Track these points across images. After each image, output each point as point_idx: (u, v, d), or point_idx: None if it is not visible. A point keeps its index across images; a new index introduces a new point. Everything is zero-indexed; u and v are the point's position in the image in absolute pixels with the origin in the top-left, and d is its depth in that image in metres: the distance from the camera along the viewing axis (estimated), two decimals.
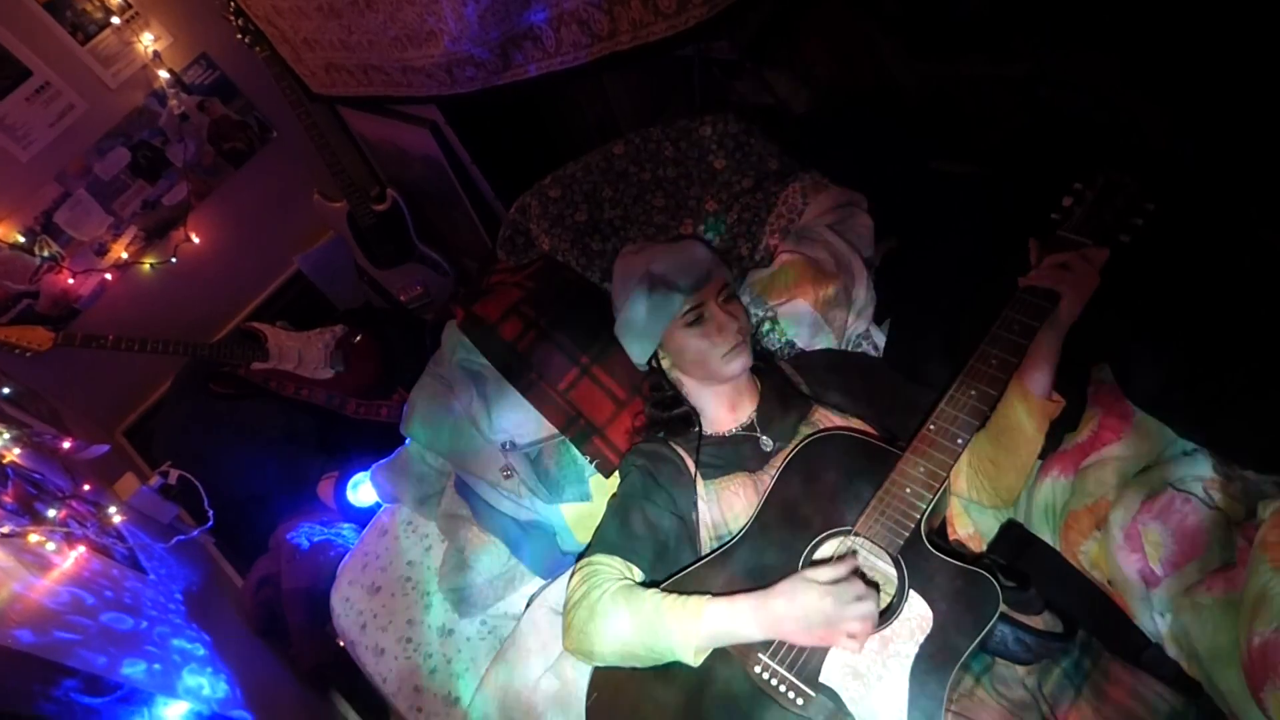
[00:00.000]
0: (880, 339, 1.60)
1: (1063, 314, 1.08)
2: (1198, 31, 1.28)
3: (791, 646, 1.09)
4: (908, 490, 1.09)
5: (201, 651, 1.83)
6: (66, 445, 2.38)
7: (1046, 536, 1.32)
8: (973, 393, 1.09)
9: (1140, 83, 1.41)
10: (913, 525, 1.07)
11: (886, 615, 1.07)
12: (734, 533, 1.24)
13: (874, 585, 1.07)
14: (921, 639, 1.04)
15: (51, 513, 1.87)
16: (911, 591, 1.06)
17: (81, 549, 1.80)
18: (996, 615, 1.02)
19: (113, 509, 2.17)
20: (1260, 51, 1.22)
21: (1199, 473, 1.17)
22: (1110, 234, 1.10)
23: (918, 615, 1.05)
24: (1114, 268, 1.09)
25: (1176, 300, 1.23)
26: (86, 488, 2.28)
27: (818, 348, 1.54)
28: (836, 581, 1.03)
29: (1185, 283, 1.24)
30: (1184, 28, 1.29)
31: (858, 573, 1.07)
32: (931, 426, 1.11)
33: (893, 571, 1.09)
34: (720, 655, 1.11)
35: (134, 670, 1.52)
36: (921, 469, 1.09)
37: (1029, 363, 1.12)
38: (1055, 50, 1.51)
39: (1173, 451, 1.23)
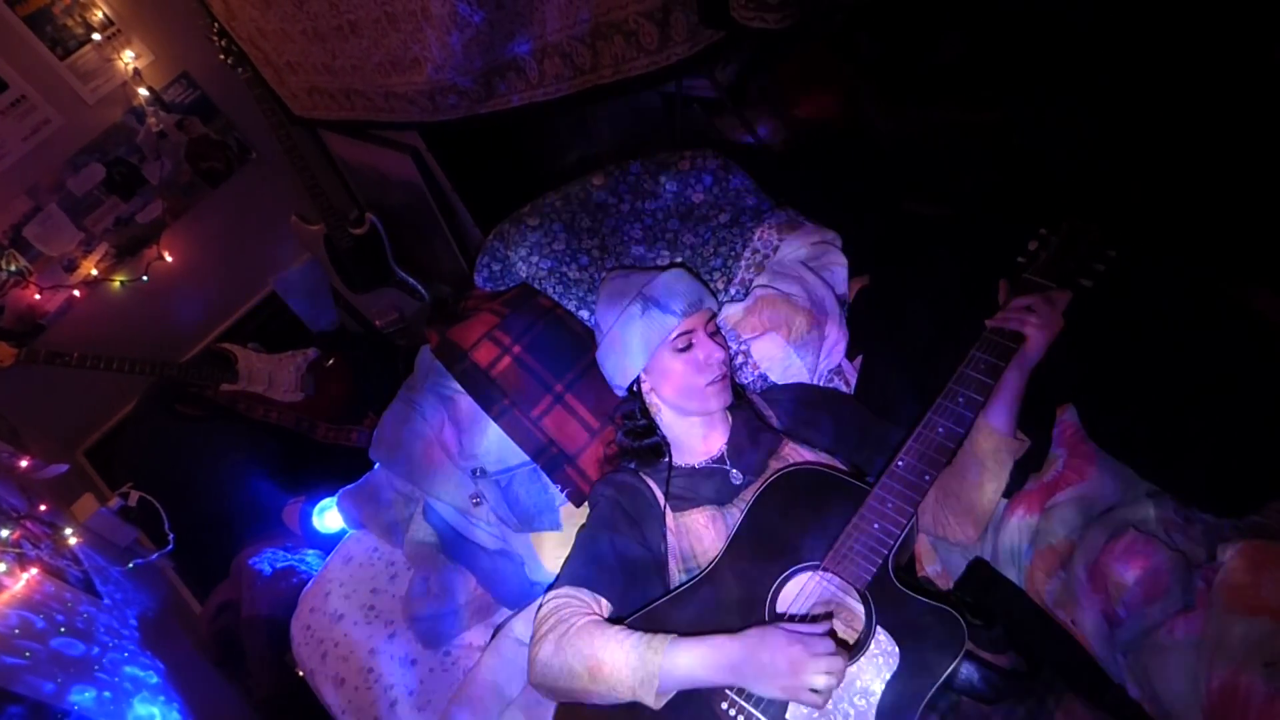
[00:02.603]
0: (852, 375, 1.62)
1: (1028, 354, 1.11)
2: (1166, 85, 1.33)
3: None
4: (876, 526, 1.09)
5: (154, 679, 1.78)
6: (24, 464, 2.33)
7: (1012, 575, 1.33)
8: (940, 430, 1.11)
9: (1109, 134, 1.46)
10: (880, 561, 1.07)
11: (854, 651, 1.06)
12: (702, 565, 1.23)
13: (844, 644, 1.07)
14: (888, 675, 1.04)
15: (4, 533, 1.82)
16: (879, 628, 1.06)
17: (34, 571, 1.75)
18: (963, 652, 1.02)
19: (69, 530, 2.12)
20: (1227, 107, 1.27)
21: (1161, 515, 1.18)
22: (1073, 278, 1.14)
23: (885, 652, 1.05)
24: (1080, 312, 1.12)
25: (1140, 345, 1.26)
26: (43, 508, 2.22)
27: (789, 382, 1.55)
28: (808, 634, 1.02)
29: (1149, 328, 1.27)
30: (1153, 81, 1.34)
31: (830, 633, 1.06)
32: (900, 463, 1.12)
33: (860, 607, 1.09)
34: (687, 692, 1.10)
35: (83, 698, 1.48)
36: (890, 505, 1.10)
37: (995, 401, 1.14)
38: (1026, 99, 1.56)
39: (1136, 493, 1.25)
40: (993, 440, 1.16)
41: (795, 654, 0.99)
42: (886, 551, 1.07)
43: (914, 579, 1.31)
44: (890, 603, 1.07)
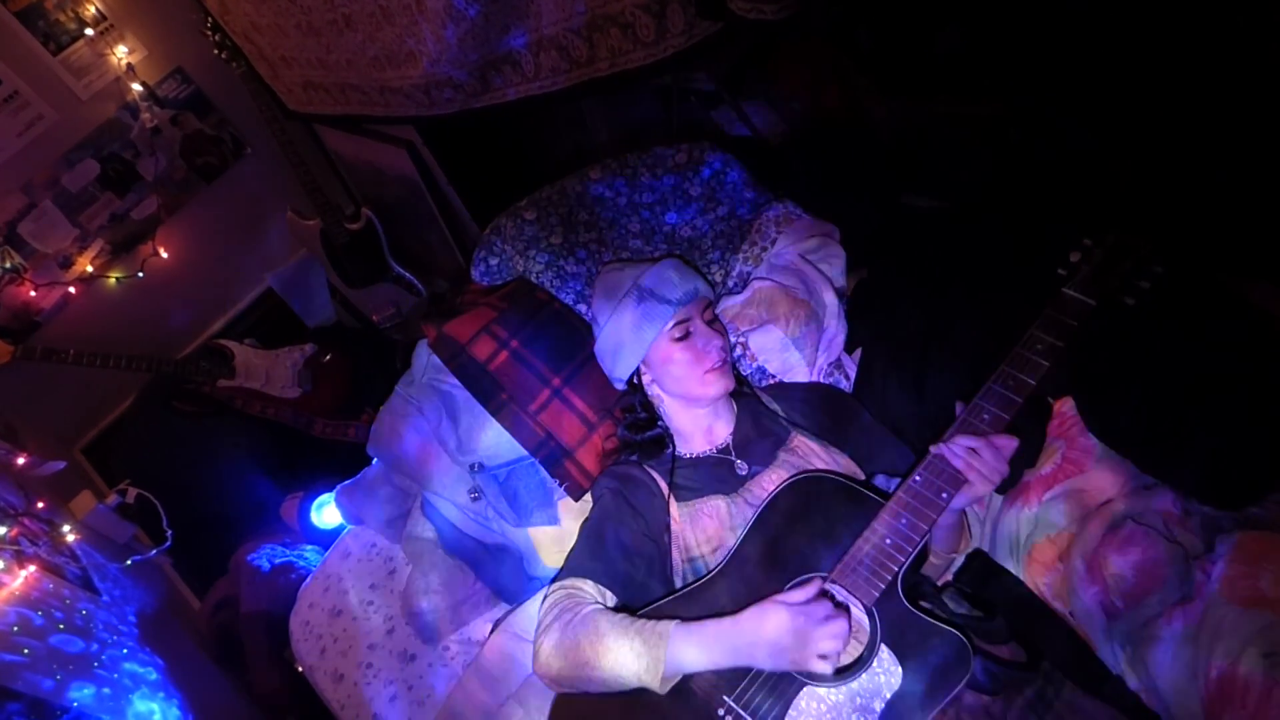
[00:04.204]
0: (851, 368, 1.61)
1: (967, 495, 1.08)
2: (1164, 79, 1.32)
3: (756, 692, 1.06)
4: (888, 542, 1.07)
5: (154, 676, 1.78)
6: (21, 461, 2.32)
7: (1011, 567, 1.33)
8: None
9: (1106, 127, 1.45)
10: (890, 577, 1.05)
11: (856, 668, 1.05)
12: (705, 555, 1.23)
13: (844, 608, 1.06)
14: (889, 696, 1.02)
15: (2, 530, 1.82)
16: (882, 645, 1.05)
17: (32, 568, 1.75)
18: (965, 679, 1.01)
19: (67, 527, 2.11)
20: (1226, 99, 1.27)
21: (1159, 507, 1.18)
22: (1114, 295, 1.11)
23: (887, 670, 1.03)
24: (1079, 309, 1.11)
25: (1139, 337, 1.26)
26: (40, 505, 2.21)
27: (788, 375, 1.54)
28: (806, 602, 1.02)
29: (1148, 320, 1.26)
30: (1152, 77, 1.34)
31: (825, 594, 1.06)
32: (916, 478, 1.09)
33: (865, 621, 1.07)
34: (685, 698, 1.09)
35: (82, 694, 1.48)
36: (904, 521, 1.07)
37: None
38: (1024, 93, 1.55)
39: (1134, 485, 1.25)
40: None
41: (798, 625, 0.99)
42: (896, 569, 1.05)
43: (923, 586, 1.27)
44: (896, 621, 1.05)
